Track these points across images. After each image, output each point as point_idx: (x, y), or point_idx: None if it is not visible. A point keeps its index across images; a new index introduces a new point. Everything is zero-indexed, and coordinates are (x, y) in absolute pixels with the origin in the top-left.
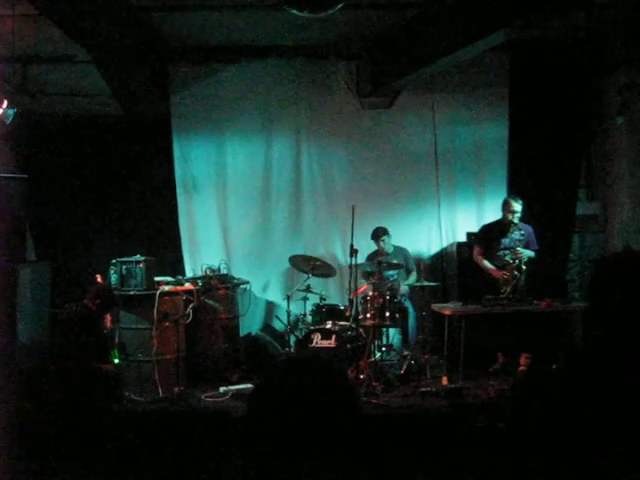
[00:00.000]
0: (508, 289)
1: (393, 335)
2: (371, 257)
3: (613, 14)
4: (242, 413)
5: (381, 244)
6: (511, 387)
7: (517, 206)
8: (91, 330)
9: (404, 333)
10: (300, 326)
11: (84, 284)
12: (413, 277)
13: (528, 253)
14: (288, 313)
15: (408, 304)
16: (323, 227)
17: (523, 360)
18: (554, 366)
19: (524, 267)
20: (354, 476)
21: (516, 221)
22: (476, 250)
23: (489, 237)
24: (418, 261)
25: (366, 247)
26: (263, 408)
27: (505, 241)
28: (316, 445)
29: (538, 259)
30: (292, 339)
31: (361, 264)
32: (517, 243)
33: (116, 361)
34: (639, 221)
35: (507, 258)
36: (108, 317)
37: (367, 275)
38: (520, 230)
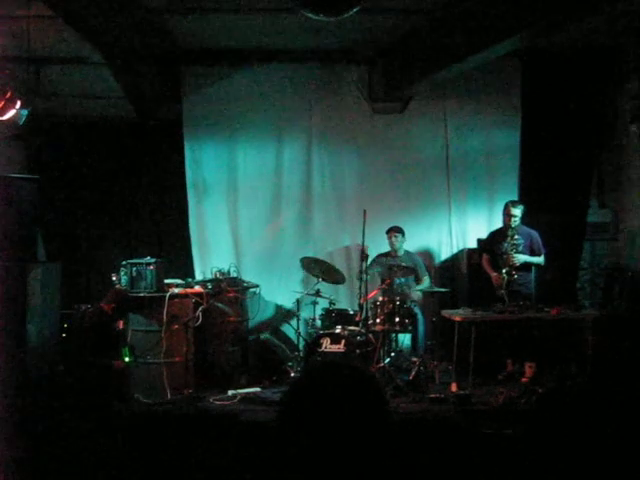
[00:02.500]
0: (502, 292)
1: (402, 340)
2: (379, 257)
3: (627, 22)
4: (250, 416)
5: (392, 240)
6: (536, 400)
7: (515, 211)
8: (104, 330)
9: (413, 339)
10: (310, 330)
11: (95, 285)
12: (426, 283)
13: (523, 259)
14: (297, 317)
15: (417, 310)
16: (333, 231)
17: (528, 370)
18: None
19: (514, 272)
20: None
21: (514, 225)
22: (483, 257)
23: (493, 242)
24: (429, 267)
25: (376, 251)
26: (295, 412)
27: (505, 245)
28: (347, 452)
29: (549, 266)
30: (301, 343)
31: (369, 266)
32: (514, 247)
33: (126, 359)
34: None
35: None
36: (121, 321)
37: (374, 270)
38: (520, 234)
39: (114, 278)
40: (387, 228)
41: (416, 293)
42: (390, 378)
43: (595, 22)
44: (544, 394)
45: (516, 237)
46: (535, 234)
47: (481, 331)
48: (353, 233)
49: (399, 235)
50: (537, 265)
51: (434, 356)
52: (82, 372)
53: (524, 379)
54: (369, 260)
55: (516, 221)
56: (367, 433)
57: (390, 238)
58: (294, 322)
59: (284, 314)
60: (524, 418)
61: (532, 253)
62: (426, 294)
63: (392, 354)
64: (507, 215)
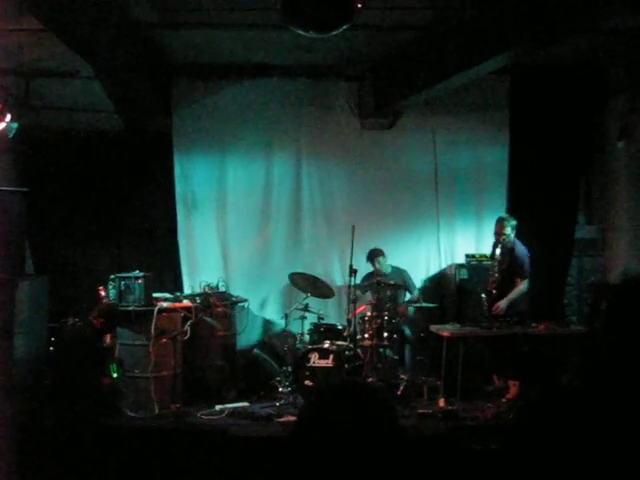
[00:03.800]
0: (484, 309)
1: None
2: (367, 278)
3: (615, 40)
4: (238, 431)
5: (377, 265)
6: (517, 411)
7: (503, 228)
8: (92, 345)
9: (401, 354)
10: (298, 345)
11: (83, 299)
12: (416, 292)
13: (505, 304)
14: (286, 332)
15: (405, 326)
16: (322, 246)
17: (512, 388)
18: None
19: (494, 292)
20: None
21: (503, 242)
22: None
23: (492, 253)
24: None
25: (365, 267)
26: (311, 433)
27: (494, 259)
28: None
29: (537, 283)
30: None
31: (358, 285)
32: (496, 263)
33: (114, 375)
34: (638, 245)
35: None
36: (108, 335)
37: (364, 291)
38: (504, 252)
39: (102, 292)
40: (367, 254)
41: (407, 307)
42: None
43: (582, 40)
44: (526, 405)
45: (502, 253)
46: (521, 253)
47: (469, 346)
48: (342, 248)
49: (380, 257)
50: (522, 294)
51: (422, 371)
52: (70, 386)
53: (507, 397)
54: (358, 277)
55: (505, 238)
56: (381, 453)
57: (375, 264)
58: (282, 337)
59: (272, 329)
60: (509, 431)
61: (514, 273)
62: (415, 309)
63: (380, 369)
64: (496, 233)
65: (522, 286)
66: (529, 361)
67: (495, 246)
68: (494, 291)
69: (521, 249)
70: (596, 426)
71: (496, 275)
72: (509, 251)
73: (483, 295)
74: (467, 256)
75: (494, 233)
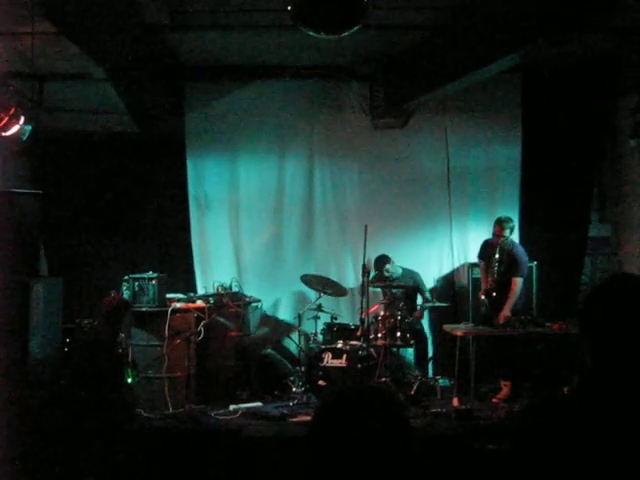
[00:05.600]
0: (483, 309)
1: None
2: (374, 280)
3: (627, 37)
4: (251, 431)
5: (385, 274)
6: (518, 414)
7: (502, 230)
8: (108, 347)
9: (417, 354)
10: (311, 345)
11: (97, 300)
12: (427, 295)
13: (507, 311)
14: (299, 332)
15: (421, 325)
16: (335, 246)
17: (504, 388)
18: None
19: (493, 293)
20: None
21: (502, 243)
22: (480, 264)
23: (485, 253)
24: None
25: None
26: (324, 435)
27: (492, 260)
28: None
29: (550, 281)
30: (303, 358)
31: (371, 280)
32: (495, 264)
33: (129, 380)
34: None
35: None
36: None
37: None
38: (503, 252)
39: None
40: (374, 261)
41: (422, 312)
42: None
43: (593, 38)
44: (525, 408)
45: (500, 254)
46: (520, 254)
47: (482, 346)
48: (354, 248)
49: (387, 265)
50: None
51: (435, 370)
52: (87, 387)
53: (501, 395)
54: (371, 276)
55: (504, 240)
56: (393, 454)
57: (383, 272)
58: (296, 337)
59: (286, 329)
60: (512, 431)
61: (512, 273)
62: (428, 309)
63: (394, 368)
64: (495, 234)
65: (517, 289)
66: (543, 360)
67: (489, 246)
68: (494, 293)
69: (520, 249)
70: (595, 428)
71: (495, 276)
72: (507, 252)
73: (483, 297)
74: None
75: (492, 234)
